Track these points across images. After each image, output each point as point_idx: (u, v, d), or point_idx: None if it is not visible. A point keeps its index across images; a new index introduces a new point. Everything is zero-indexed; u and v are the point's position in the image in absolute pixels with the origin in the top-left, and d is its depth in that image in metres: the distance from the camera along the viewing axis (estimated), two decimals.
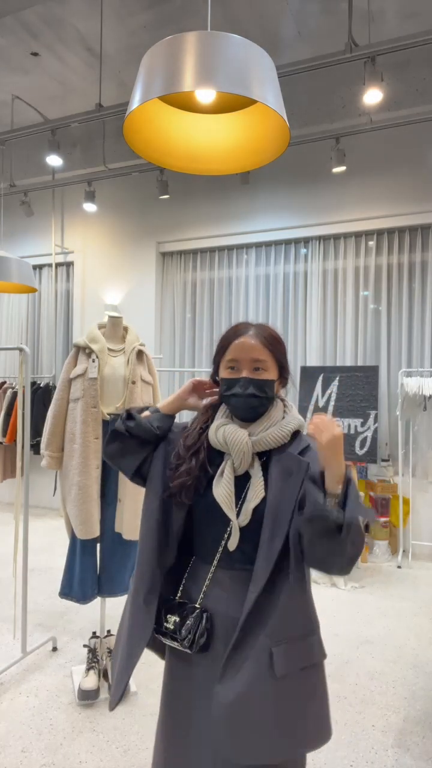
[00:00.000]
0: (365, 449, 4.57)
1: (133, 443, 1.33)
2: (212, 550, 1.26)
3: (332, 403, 4.77)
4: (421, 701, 2.51)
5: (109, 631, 2.73)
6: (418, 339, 4.98)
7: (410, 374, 4.82)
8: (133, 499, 2.50)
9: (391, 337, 5.09)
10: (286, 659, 1.15)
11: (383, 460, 4.88)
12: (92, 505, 2.45)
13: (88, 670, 2.54)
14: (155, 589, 1.28)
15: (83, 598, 2.54)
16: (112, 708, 1.35)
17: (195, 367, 5.85)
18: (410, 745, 2.20)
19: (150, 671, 2.73)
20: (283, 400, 1.33)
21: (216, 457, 1.28)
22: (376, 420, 4.59)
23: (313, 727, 1.21)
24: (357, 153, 5.04)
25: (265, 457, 1.25)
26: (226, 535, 1.23)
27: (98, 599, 2.66)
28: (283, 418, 1.29)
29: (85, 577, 2.54)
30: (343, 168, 4.45)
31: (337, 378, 4.79)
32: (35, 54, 4.40)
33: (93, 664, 2.56)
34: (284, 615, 1.17)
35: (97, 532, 2.48)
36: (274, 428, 1.25)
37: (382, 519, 4.61)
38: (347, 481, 1.09)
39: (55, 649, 2.94)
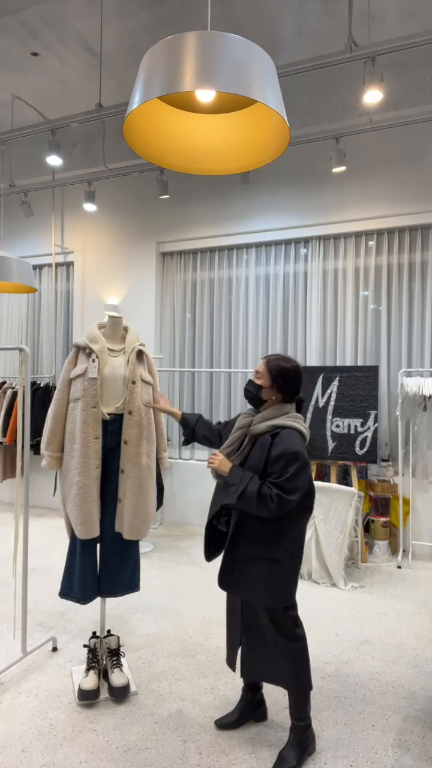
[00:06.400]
0: (365, 449, 4.57)
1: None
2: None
3: (332, 403, 4.77)
4: (421, 701, 2.51)
5: (109, 631, 2.73)
6: (418, 339, 4.98)
7: (410, 374, 4.82)
8: (132, 498, 2.50)
9: (391, 337, 5.09)
10: (244, 550, 2.06)
11: (383, 460, 4.89)
12: (92, 505, 2.45)
13: (88, 670, 2.54)
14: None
15: (83, 598, 2.54)
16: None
17: (195, 367, 5.85)
18: (410, 745, 2.20)
19: (150, 671, 2.73)
20: (279, 406, 2.14)
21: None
22: (376, 420, 4.59)
23: (266, 594, 2.04)
24: (357, 153, 5.05)
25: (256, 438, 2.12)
26: None
27: (98, 599, 2.66)
28: (273, 419, 2.09)
29: (85, 577, 2.53)
30: (343, 168, 4.45)
31: (337, 378, 4.80)
32: (35, 54, 4.40)
33: (93, 664, 2.56)
34: (253, 527, 2.03)
35: (97, 532, 2.48)
36: (261, 424, 2.09)
37: (382, 519, 4.61)
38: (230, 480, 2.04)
39: (55, 649, 2.93)
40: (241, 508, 1.99)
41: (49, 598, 3.61)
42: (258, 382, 2.12)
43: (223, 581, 2.12)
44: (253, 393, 2.13)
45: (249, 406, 2.25)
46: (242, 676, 2.22)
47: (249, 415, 2.16)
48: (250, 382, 2.15)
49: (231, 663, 2.25)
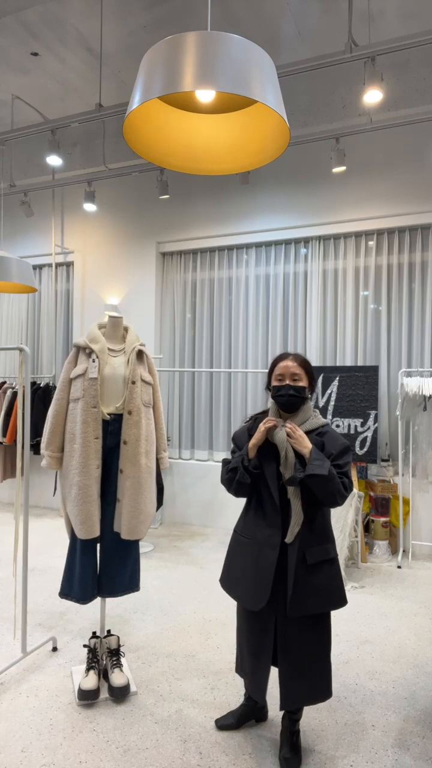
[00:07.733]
0: (365, 449, 4.57)
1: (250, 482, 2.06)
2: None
3: (332, 403, 4.77)
4: (421, 701, 2.51)
5: (109, 631, 2.73)
6: (418, 339, 4.98)
7: (410, 374, 4.82)
8: (131, 498, 2.50)
9: (391, 337, 5.09)
10: (311, 556, 1.98)
11: (383, 460, 4.88)
12: (92, 505, 2.45)
13: (88, 670, 2.54)
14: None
15: (83, 598, 2.54)
16: None
17: (195, 367, 5.85)
18: (410, 745, 2.20)
19: (150, 671, 2.73)
20: (309, 404, 2.11)
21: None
22: (376, 420, 4.59)
23: (336, 596, 2.02)
24: (357, 153, 5.05)
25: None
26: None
27: (98, 599, 2.66)
28: (311, 418, 2.07)
29: (85, 577, 2.53)
30: (343, 168, 4.45)
31: (337, 378, 4.79)
32: (35, 54, 4.40)
33: (93, 664, 2.56)
34: (309, 530, 1.99)
35: (97, 532, 2.48)
36: (303, 426, 2.03)
37: (382, 519, 4.61)
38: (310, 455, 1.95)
39: (55, 649, 2.93)
40: (322, 486, 1.88)
41: (49, 598, 3.61)
42: (301, 384, 2.04)
43: (298, 604, 1.95)
44: (300, 397, 2.03)
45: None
46: (283, 707, 2.04)
47: (277, 421, 2.02)
48: (295, 388, 2.02)
49: (260, 695, 2.08)
